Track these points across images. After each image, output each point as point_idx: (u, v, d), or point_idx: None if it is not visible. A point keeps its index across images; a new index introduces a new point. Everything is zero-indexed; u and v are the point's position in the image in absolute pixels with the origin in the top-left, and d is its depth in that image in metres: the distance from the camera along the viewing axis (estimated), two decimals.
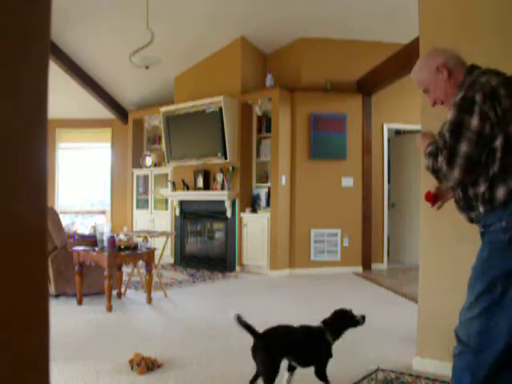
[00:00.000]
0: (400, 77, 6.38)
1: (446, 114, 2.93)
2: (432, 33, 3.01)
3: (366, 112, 7.16)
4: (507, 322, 1.66)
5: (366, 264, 7.09)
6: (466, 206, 1.83)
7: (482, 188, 1.73)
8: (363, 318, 2.58)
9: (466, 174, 1.71)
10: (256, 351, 2.44)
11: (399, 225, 8.07)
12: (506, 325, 1.66)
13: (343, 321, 2.58)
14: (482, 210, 1.75)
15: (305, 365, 2.53)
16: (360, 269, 7.01)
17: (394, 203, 8.08)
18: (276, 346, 2.46)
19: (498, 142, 1.68)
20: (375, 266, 7.21)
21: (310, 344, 2.54)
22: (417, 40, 3.21)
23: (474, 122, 1.68)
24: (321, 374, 2.50)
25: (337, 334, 2.56)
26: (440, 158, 1.75)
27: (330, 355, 2.53)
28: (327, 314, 2.65)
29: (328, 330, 2.55)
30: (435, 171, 1.79)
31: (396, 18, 6.20)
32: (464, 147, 1.69)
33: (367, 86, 7.06)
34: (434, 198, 2.10)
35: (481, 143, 1.68)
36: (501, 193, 1.69)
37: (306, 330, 2.60)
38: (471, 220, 1.86)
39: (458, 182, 1.76)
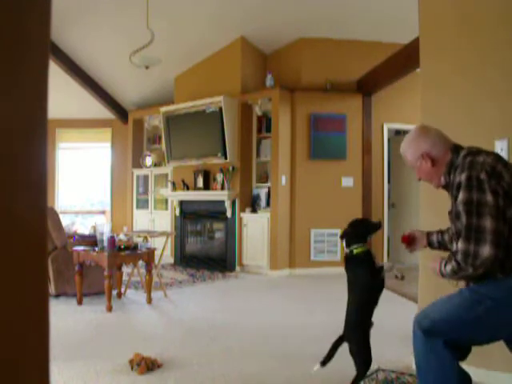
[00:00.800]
0: (400, 77, 6.38)
1: (445, 116, 2.93)
2: (432, 33, 3.01)
3: (365, 112, 7.16)
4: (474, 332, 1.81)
5: None
6: (479, 276, 1.81)
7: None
8: (379, 223, 2.68)
9: (498, 248, 1.67)
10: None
11: (399, 225, 8.07)
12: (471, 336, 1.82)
13: (363, 228, 2.67)
14: (500, 275, 1.77)
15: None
16: None
17: (394, 203, 8.07)
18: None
19: (510, 213, 1.73)
20: None
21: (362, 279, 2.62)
22: (417, 40, 3.21)
23: (489, 198, 1.70)
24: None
25: (363, 240, 2.60)
26: (460, 245, 1.73)
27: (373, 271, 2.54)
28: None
29: (351, 248, 2.61)
30: (457, 269, 1.77)
31: (396, 18, 6.20)
32: (489, 223, 1.68)
33: (367, 86, 7.06)
34: (409, 240, 2.24)
35: (500, 217, 1.70)
36: None
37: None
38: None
39: (491, 259, 1.68)
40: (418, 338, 1.86)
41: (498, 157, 1.86)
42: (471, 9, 2.83)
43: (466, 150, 1.89)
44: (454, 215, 1.83)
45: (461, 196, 1.76)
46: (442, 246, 2.21)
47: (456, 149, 1.92)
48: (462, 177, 1.77)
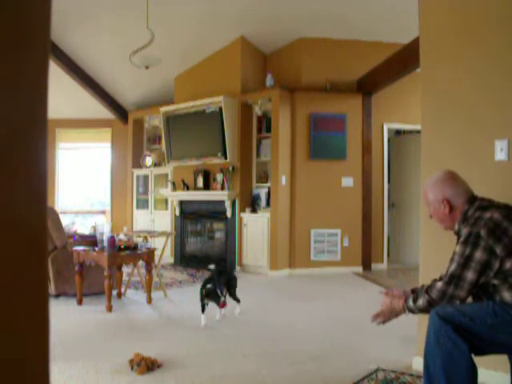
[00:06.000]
0: (400, 77, 6.38)
1: (446, 116, 2.93)
2: (432, 33, 3.01)
3: (365, 112, 7.16)
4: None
5: (366, 264, 7.09)
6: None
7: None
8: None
9: (469, 295, 2.00)
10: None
11: (399, 225, 8.07)
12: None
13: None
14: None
15: None
16: (360, 269, 7.01)
17: (394, 203, 8.08)
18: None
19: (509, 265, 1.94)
20: (375, 266, 7.21)
21: None
22: (417, 40, 3.21)
23: (478, 254, 1.95)
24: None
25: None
26: (440, 285, 2.02)
27: None
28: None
29: None
30: (431, 302, 2.03)
31: (396, 17, 6.20)
32: (470, 275, 1.96)
33: (367, 86, 7.06)
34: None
35: (483, 272, 1.95)
36: None
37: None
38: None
39: (462, 300, 2.00)
40: (433, 321, 1.97)
41: (508, 212, 2.03)
42: (471, 10, 2.83)
43: (478, 203, 2.10)
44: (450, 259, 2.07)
45: (457, 247, 2.03)
46: None
47: (472, 200, 2.13)
48: (464, 231, 2.02)
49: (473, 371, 1.91)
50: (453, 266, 2.01)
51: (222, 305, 4.02)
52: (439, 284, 2.02)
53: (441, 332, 1.93)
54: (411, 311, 2.13)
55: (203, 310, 4.04)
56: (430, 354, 1.98)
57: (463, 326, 1.93)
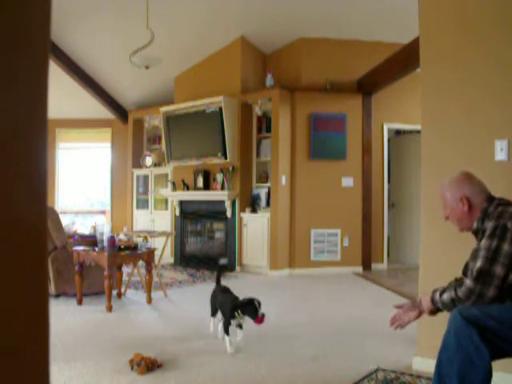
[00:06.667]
0: (400, 77, 6.38)
1: (446, 116, 2.93)
2: (432, 33, 3.01)
3: (365, 112, 7.15)
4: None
5: (366, 264, 7.09)
6: None
7: None
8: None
9: (499, 291, 1.93)
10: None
11: (399, 225, 8.07)
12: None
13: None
14: None
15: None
16: (360, 269, 7.01)
17: (394, 203, 8.08)
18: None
19: None
20: (375, 266, 7.21)
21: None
22: (417, 40, 3.21)
23: (506, 246, 1.93)
24: None
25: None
26: (468, 282, 1.96)
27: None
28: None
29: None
30: (456, 300, 1.99)
31: (396, 18, 6.20)
32: (499, 270, 1.92)
33: (367, 86, 7.06)
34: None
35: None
36: None
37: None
38: None
39: (491, 299, 1.93)
40: (455, 321, 1.92)
41: None
42: (471, 10, 2.83)
43: (498, 201, 2.11)
44: (474, 256, 2.03)
45: (483, 242, 2.00)
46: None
47: (491, 199, 2.13)
48: (490, 225, 2.01)
49: (489, 377, 1.85)
50: (480, 262, 1.95)
51: (261, 319, 3.21)
52: (468, 282, 1.96)
53: (463, 334, 1.86)
54: (435, 304, 2.09)
55: (214, 314, 3.70)
56: (446, 354, 1.92)
57: (489, 328, 1.86)
